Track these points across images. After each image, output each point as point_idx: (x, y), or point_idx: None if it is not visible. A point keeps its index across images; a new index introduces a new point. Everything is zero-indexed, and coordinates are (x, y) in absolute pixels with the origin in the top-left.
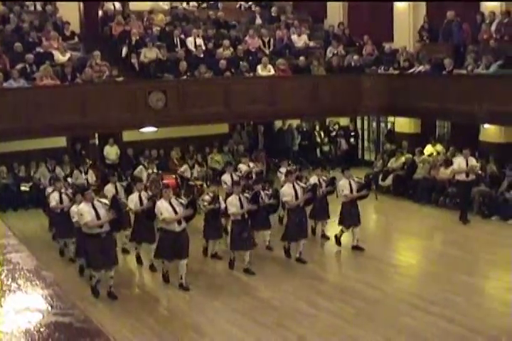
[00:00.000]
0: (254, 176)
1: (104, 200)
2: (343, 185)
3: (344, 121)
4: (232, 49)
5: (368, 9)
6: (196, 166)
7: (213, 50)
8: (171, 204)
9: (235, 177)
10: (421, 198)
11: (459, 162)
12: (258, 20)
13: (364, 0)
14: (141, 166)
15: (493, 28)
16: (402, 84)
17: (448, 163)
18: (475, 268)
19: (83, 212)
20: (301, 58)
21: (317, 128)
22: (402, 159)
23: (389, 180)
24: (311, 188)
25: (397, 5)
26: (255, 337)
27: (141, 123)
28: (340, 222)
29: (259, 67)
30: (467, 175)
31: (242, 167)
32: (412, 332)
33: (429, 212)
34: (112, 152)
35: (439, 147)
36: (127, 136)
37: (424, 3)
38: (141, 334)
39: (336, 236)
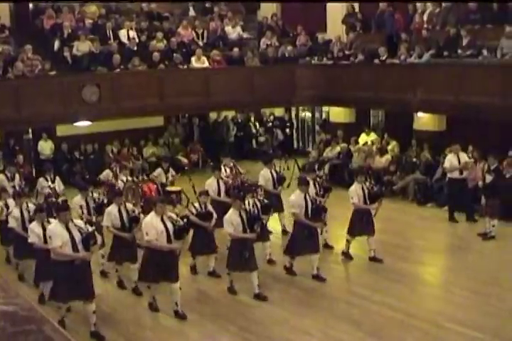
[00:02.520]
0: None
1: (78, 222)
2: (354, 191)
3: (279, 111)
4: (165, 41)
5: (301, 0)
6: (171, 170)
7: (147, 42)
8: (163, 221)
9: (222, 184)
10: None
11: (449, 159)
12: (191, 12)
13: None
14: (107, 170)
15: (425, 17)
16: (336, 74)
17: (383, 151)
18: (411, 255)
19: (52, 235)
20: (235, 50)
21: (252, 119)
22: (338, 148)
23: (325, 170)
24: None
25: None
26: (198, 329)
27: (75, 118)
28: (349, 231)
29: (193, 59)
30: (461, 173)
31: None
32: (353, 320)
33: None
34: (46, 147)
35: (373, 136)
36: (61, 130)
37: None
38: None
39: (346, 252)
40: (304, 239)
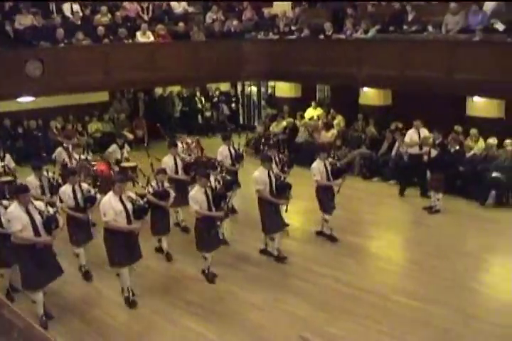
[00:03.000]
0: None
1: (39, 203)
2: (317, 168)
3: (225, 86)
4: (110, 15)
5: None
6: (126, 146)
7: (91, 16)
8: (121, 201)
9: (179, 161)
10: (303, 161)
11: (410, 134)
12: None
13: None
14: (60, 148)
15: None
16: (282, 49)
17: (329, 126)
18: (360, 229)
19: (12, 218)
20: (181, 24)
21: (198, 94)
22: (284, 123)
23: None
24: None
25: None
26: (146, 305)
27: (18, 93)
28: (323, 209)
29: (138, 34)
30: (420, 148)
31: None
32: (302, 294)
33: (311, 174)
34: None
35: (319, 111)
36: (3, 106)
37: None
38: None
39: (319, 232)
40: (272, 215)
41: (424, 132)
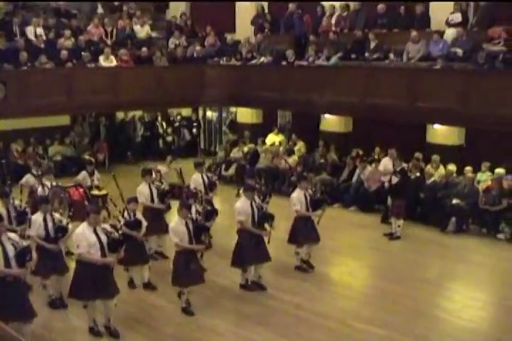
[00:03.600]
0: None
1: (12, 235)
2: (297, 197)
3: (186, 111)
4: (73, 39)
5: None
6: (96, 172)
7: (54, 39)
8: (96, 233)
9: (154, 190)
10: (264, 187)
11: (385, 163)
12: (100, 10)
13: None
14: (28, 174)
15: (333, 20)
16: (244, 75)
17: (290, 152)
18: (320, 255)
19: None
20: (144, 49)
21: (159, 119)
22: (245, 149)
23: (232, 170)
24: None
25: None
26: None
27: None
28: (291, 240)
29: (101, 58)
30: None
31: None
32: (262, 320)
33: (271, 200)
34: None
35: (280, 136)
36: None
37: None
38: None
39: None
40: (252, 248)
41: (398, 162)
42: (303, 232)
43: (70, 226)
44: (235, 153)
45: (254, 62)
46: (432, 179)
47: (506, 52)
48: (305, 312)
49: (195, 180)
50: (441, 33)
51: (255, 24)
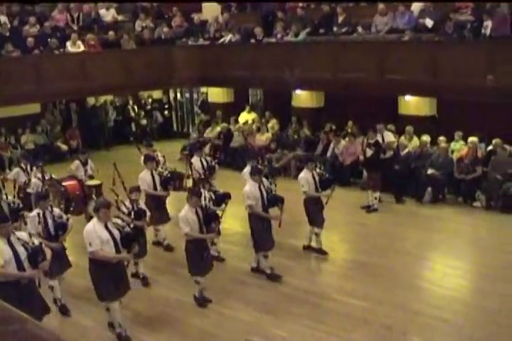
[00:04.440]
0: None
1: (22, 234)
2: (305, 178)
3: (157, 94)
4: (39, 26)
5: None
6: (90, 161)
7: (19, 27)
8: (107, 229)
9: (156, 177)
10: (238, 165)
11: (388, 136)
12: None
13: None
14: (17, 168)
15: None
16: (214, 55)
17: (263, 129)
18: (299, 230)
19: None
20: (111, 33)
21: (131, 102)
22: (218, 129)
23: (206, 150)
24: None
25: None
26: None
27: None
28: (311, 222)
29: (68, 44)
30: (384, 152)
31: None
32: (247, 299)
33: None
34: None
35: (253, 115)
36: None
37: None
38: None
39: (307, 246)
40: (264, 232)
41: (389, 136)
42: (317, 213)
43: (71, 221)
44: (209, 134)
45: (222, 41)
46: (406, 150)
47: (474, 21)
48: (288, 288)
49: (195, 163)
50: (407, 6)
51: (222, 3)
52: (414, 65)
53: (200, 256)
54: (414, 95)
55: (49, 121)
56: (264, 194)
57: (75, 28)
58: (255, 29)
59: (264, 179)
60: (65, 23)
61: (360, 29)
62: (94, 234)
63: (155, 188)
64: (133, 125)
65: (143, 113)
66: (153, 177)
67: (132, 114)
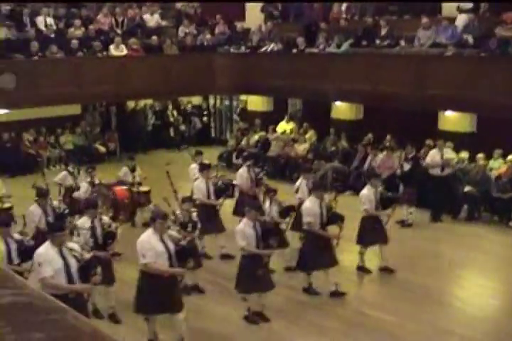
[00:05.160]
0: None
1: (74, 245)
2: (366, 196)
3: (197, 99)
4: (83, 28)
5: None
6: (138, 168)
7: (64, 29)
8: (162, 241)
9: (211, 186)
10: (275, 175)
11: (432, 155)
12: None
13: None
14: (64, 172)
15: (344, 7)
16: (255, 63)
17: (301, 140)
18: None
19: (43, 262)
20: (154, 38)
21: (170, 107)
22: (256, 137)
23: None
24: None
25: None
26: None
27: None
28: (358, 240)
29: (111, 47)
30: (442, 169)
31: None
32: (277, 308)
33: (282, 187)
34: None
35: (291, 125)
36: None
37: None
38: None
39: (358, 266)
40: (319, 251)
41: (448, 153)
42: (370, 233)
43: (120, 230)
44: (246, 142)
45: (264, 49)
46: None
47: None
48: (317, 299)
49: (241, 175)
50: (452, 20)
51: (265, 12)
52: (454, 80)
53: (251, 273)
54: (453, 110)
55: (88, 123)
56: (324, 211)
57: (119, 31)
58: (297, 39)
59: (325, 196)
60: (109, 26)
61: (402, 42)
62: (149, 246)
63: (208, 197)
64: (171, 130)
65: (182, 118)
66: (207, 186)
67: (171, 119)
